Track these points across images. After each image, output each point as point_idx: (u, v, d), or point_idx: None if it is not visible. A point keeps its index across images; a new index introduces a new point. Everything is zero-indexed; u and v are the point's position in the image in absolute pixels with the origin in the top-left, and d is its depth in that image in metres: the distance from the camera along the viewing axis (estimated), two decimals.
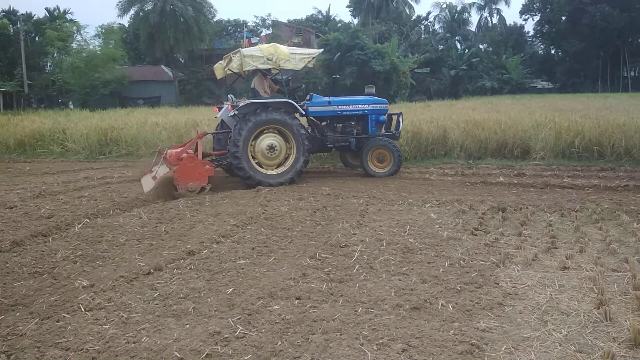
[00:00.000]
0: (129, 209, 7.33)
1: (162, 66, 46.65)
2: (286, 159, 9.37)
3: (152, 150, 13.95)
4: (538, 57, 65.97)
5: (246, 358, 3.12)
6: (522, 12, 68.26)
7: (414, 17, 65.64)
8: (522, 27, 69.96)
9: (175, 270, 4.67)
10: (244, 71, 9.91)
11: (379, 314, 3.69)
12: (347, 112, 10.16)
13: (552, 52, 68.05)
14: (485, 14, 73.33)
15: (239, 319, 3.63)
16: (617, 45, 60.05)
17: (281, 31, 47.42)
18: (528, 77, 57.88)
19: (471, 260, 4.80)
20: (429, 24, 71.82)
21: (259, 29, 53.24)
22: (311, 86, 40.17)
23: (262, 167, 9.21)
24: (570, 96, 36.83)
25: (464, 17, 70.64)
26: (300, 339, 3.35)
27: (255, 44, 48.62)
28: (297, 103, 9.59)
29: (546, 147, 11.19)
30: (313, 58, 10.04)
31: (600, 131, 11.26)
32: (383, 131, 10.45)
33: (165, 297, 4.10)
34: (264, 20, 51.79)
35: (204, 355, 3.14)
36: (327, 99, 10.13)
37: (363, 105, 10.25)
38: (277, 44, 10.21)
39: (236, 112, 9.26)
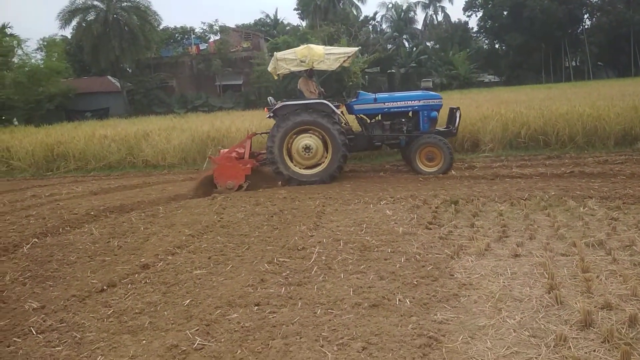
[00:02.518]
0: (79, 226, 7.11)
1: (109, 77, 45.51)
2: (324, 157, 9.44)
3: (103, 163, 13.70)
4: (483, 52, 67.74)
5: None
6: (465, 9, 69.90)
7: (361, 18, 66.28)
8: (467, 23, 71.79)
9: (129, 286, 4.56)
10: (278, 73, 9.87)
11: (338, 314, 3.70)
12: (395, 109, 9.85)
13: (497, 46, 69.99)
14: (431, 12, 74.81)
15: (197, 330, 3.57)
16: (557, 36, 62.34)
17: (230, 36, 46.99)
18: (475, 72, 59.36)
19: (426, 254, 4.88)
20: (377, 23, 72.75)
21: (207, 35, 52.53)
22: (263, 91, 40.12)
23: (300, 167, 9.43)
24: (515, 88, 37.93)
25: (410, 15, 71.90)
26: (260, 345, 3.33)
27: (204, 50, 48.12)
28: (333, 103, 9.58)
29: (494, 139, 11.52)
30: (349, 57, 9.90)
31: (545, 121, 11.67)
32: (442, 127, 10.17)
33: (120, 313, 3.99)
34: (211, 26, 51.06)
35: None
36: (373, 96, 10.00)
37: (413, 102, 9.84)
38: (312, 45, 10.15)
39: (271, 115, 9.44)
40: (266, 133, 10.11)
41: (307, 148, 9.31)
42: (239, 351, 3.25)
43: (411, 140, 9.62)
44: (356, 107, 9.91)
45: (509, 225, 5.65)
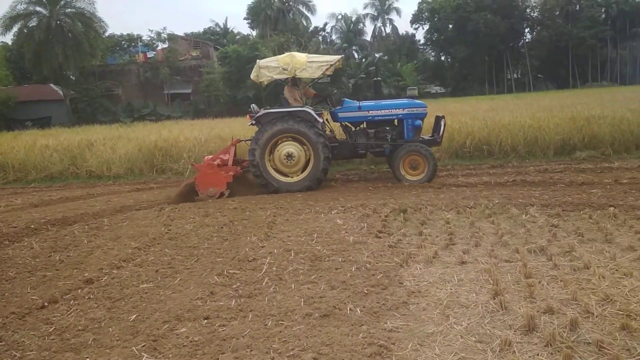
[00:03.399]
0: (18, 240, 6.79)
1: (52, 85, 43.98)
2: (306, 164, 9.36)
3: (44, 174, 13.18)
4: (430, 64, 69.52)
5: None
6: (412, 22, 71.71)
7: (311, 29, 66.76)
8: (414, 35, 73.57)
9: (72, 302, 4.39)
10: (260, 81, 9.76)
11: (289, 325, 3.68)
12: (380, 117, 9.81)
13: (443, 58, 71.99)
14: (379, 24, 76.19)
15: (144, 346, 3.47)
16: (500, 49, 64.78)
17: (178, 45, 46.41)
18: (422, 83, 60.72)
19: (376, 263, 4.93)
20: (327, 34, 73.44)
21: (155, 43, 51.67)
22: (213, 99, 39.76)
23: (282, 175, 9.36)
24: (460, 99, 39.10)
25: (359, 27, 72.91)
26: None
27: (152, 58, 47.25)
28: (316, 110, 9.49)
29: (441, 148, 11.79)
30: (331, 65, 9.73)
31: (489, 131, 12.07)
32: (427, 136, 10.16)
33: (61, 331, 3.84)
34: (159, 34, 50.27)
35: None
36: (358, 103, 9.92)
37: (397, 110, 9.78)
38: (295, 53, 10.01)
39: (253, 122, 9.42)
40: (250, 140, 9.98)
41: (289, 156, 9.28)
42: None
43: (395, 149, 9.62)
44: (340, 114, 9.90)
45: (456, 233, 5.78)
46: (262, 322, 3.76)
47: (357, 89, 58.89)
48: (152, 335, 3.61)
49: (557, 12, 66.04)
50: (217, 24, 65.68)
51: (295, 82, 10.04)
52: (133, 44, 51.28)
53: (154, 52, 48.97)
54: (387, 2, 73.83)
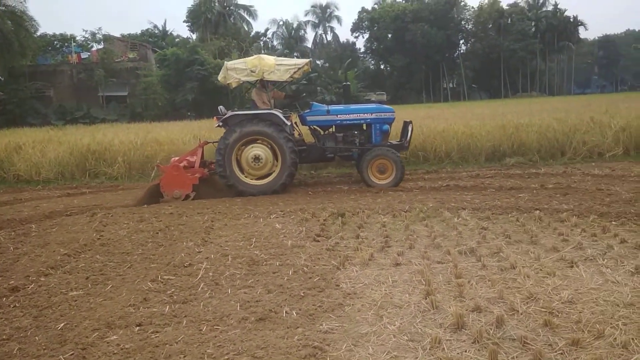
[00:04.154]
0: None
1: None
2: (274, 166, 9.28)
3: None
4: (370, 72, 70.90)
5: None
6: (352, 30, 72.96)
7: (252, 34, 66.57)
8: (354, 44, 74.81)
9: None
10: (227, 83, 9.54)
11: (224, 330, 3.65)
12: (348, 121, 9.80)
13: (382, 66, 73.55)
14: (320, 31, 77.05)
15: (72, 354, 3.35)
16: (436, 60, 66.96)
17: (114, 46, 45.03)
18: (362, 91, 61.74)
19: (314, 266, 4.96)
20: (268, 40, 73.54)
21: (89, 44, 49.88)
22: (150, 102, 38.81)
23: (249, 177, 9.31)
24: (399, 107, 39.81)
25: (300, 34, 73.50)
26: None
27: (86, 59, 45.56)
28: (284, 114, 9.37)
29: None
30: (299, 69, 9.59)
31: (424, 138, 12.43)
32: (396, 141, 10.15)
33: None
34: (94, 34, 48.57)
35: None
36: (326, 107, 9.79)
37: (365, 114, 9.82)
38: (263, 55, 9.79)
39: (220, 124, 9.32)
40: (217, 142, 9.82)
41: (256, 158, 9.20)
42: None
43: (363, 153, 9.63)
44: (309, 118, 9.86)
45: (391, 236, 5.91)
46: (197, 328, 3.70)
47: (298, 94, 59.14)
48: (81, 344, 3.48)
49: (490, 25, 69.07)
50: (155, 26, 64.31)
51: (263, 84, 9.91)
52: (66, 44, 49.32)
53: (89, 53, 47.23)
54: (328, 10, 74.81)
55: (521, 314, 3.68)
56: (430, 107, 35.43)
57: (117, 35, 51.00)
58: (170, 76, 37.01)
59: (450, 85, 74.25)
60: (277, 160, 9.30)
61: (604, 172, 9.87)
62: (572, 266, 4.61)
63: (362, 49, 75.11)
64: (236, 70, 9.43)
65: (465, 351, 3.21)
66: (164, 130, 17.82)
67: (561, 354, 3.13)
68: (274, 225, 6.74)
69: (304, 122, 10.01)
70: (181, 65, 36.31)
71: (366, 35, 72.63)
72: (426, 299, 3.97)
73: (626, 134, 11.88)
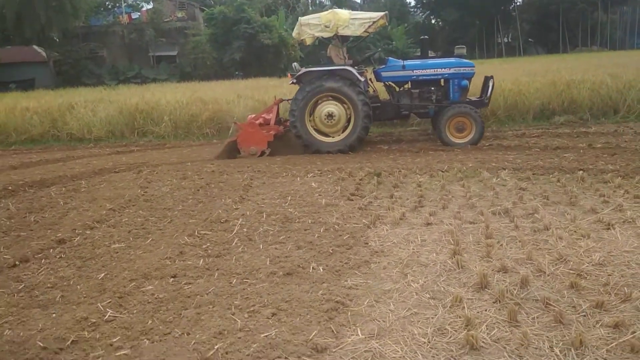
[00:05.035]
0: None
1: (35, 46, 42.96)
2: (346, 125, 9.23)
3: (25, 137, 13.13)
4: (420, 27, 68.70)
5: (114, 340, 3.09)
6: None
7: None
8: None
9: (43, 260, 4.47)
10: (301, 39, 9.62)
11: (252, 283, 3.79)
12: (424, 77, 9.49)
13: (433, 21, 71.25)
14: None
15: (109, 302, 3.57)
16: (491, 13, 64.10)
17: (163, 6, 45.34)
18: (412, 47, 60.21)
19: (345, 224, 5.03)
20: None
21: (140, 4, 50.49)
22: (200, 62, 39.20)
23: (323, 135, 9.28)
24: None
25: None
26: (172, 315, 3.37)
27: (136, 20, 46.25)
28: (358, 69, 9.34)
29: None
30: (374, 22, 9.35)
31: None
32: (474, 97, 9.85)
33: (31, 288, 3.92)
34: None
35: (69, 342, 3.07)
36: (402, 62, 9.61)
37: (443, 69, 9.45)
38: (337, 10, 9.73)
39: (294, 81, 9.34)
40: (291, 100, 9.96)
41: (329, 115, 9.16)
42: (150, 321, 3.29)
43: (440, 110, 9.37)
44: (384, 74, 9.63)
45: (426, 196, 5.89)
46: (227, 281, 3.86)
47: (348, 51, 58.33)
48: (118, 293, 3.71)
49: None
50: None
51: (339, 39, 9.69)
52: (117, 4, 50.03)
53: (139, 13, 47.82)
54: None
55: (548, 275, 3.65)
56: (483, 63, 34.04)
57: None
58: (217, 35, 37.03)
59: (506, 40, 71.14)
60: (349, 119, 9.21)
61: None
62: (608, 228, 4.49)
63: (412, 3, 72.93)
64: (310, 25, 9.32)
65: (486, 310, 3.23)
66: (210, 89, 18.03)
67: (584, 315, 3.10)
68: (310, 184, 6.82)
69: (378, 78, 9.78)
70: (228, 24, 36.23)
71: None
72: (453, 258, 3.98)
73: None
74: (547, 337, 2.90)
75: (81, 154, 10.98)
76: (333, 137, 9.27)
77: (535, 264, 3.81)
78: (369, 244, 4.49)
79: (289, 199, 6.12)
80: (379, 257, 4.17)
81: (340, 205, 5.71)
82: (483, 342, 2.86)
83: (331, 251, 4.33)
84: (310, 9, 62.32)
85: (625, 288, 3.35)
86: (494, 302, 3.32)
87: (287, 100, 10.21)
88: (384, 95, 10.24)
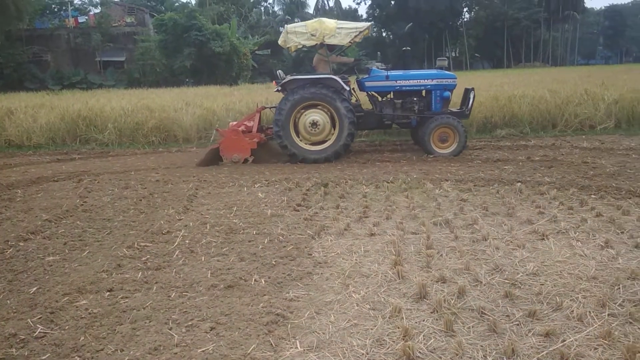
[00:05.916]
0: None
1: None
2: (331, 134, 9.22)
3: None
4: (372, 40, 69.90)
5: (44, 357, 2.96)
6: None
7: None
8: (356, 10, 73.71)
9: None
10: (288, 47, 9.48)
11: (192, 297, 3.71)
12: (408, 88, 9.60)
13: (384, 34, 72.62)
14: None
15: (40, 318, 3.42)
16: (440, 27, 66.01)
17: (112, 10, 44.37)
18: (363, 59, 61.13)
19: (289, 235, 5.02)
20: (269, 5, 72.45)
21: (87, 8, 49.14)
22: (148, 68, 38.49)
23: (306, 142, 9.28)
24: None
25: None
26: (106, 331, 3.25)
27: (83, 24, 44.98)
28: (343, 79, 9.27)
29: None
30: (360, 32, 9.37)
31: None
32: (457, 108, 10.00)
33: None
34: None
35: None
36: (386, 73, 9.65)
37: (426, 80, 9.58)
38: (324, 19, 9.65)
39: (279, 89, 9.30)
40: (275, 107, 9.80)
41: (314, 124, 9.12)
42: (82, 338, 3.16)
43: (423, 121, 9.49)
44: (367, 83, 9.68)
45: (371, 206, 5.95)
46: (166, 294, 3.77)
47: (299, 61, 58.52)
48: (50, 308, 3.55)
49: None
50: None
51: (324, 48, 9.72)
52: (63, 7, 48.55)
53: (86, 17, 46.61)
54: None
55: (484, 285, 3.74)
56: None
57: None
58: (168, 42, 36.50)
59: (453, 54, 73.37)
60: (334, 127, 9.22)
61: (593, 145, 9.87)
62: (543, 239, 4.66)
63: (364, 16, 74.07)
64: (296, 33, 9.32)
65: (424, 320, 3.28)
66: (158, 97, 17.71)
67: (517, 324, 3.19)
68: (257, 194, 6.78)
69: (362, 87, 9.83)
70: (179, 31, 35.78)
71: (368, 2, 71.55)
72: (394, 268, 4.03)
73: (618, 107, 11.84)
74: (482, 346, 2.96)
75: (19, 161, 10.54)
76: (318, 146, 9.28)
77: (472, 274, 3.91)
78: (313, 255, 4.49)
79: (235, 209, 6.06)
80: (322, 268, 4.17)
81: (286, 216, 5.70)
82: (419, 352, 2.90)
83: (274, 263, 4.31)
84: (263, 17, 62.43)
85: (557, 297, 3.48)
86: (431, 312, 3.37)
87: (270, 107, 10.32)
88: (366, 105, 10.36)
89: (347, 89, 9.36)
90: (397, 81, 9.62)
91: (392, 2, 67.29)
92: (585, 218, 5.17)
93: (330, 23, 9.32)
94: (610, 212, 5.41)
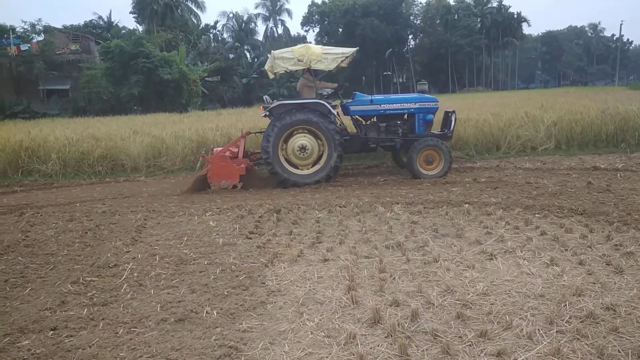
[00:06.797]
0: None
1: None
2: (320, 157, 9.27)
3: None
4: None
5: None
6: (303, 24, 72.77)
7: (201, 26, 65.46)
8: (305, 37, 74.68)
9: None
10: (274, 73, 9.33)
11: (141, 332, 3.59)
12: (392, 111, 9.71)
13: None
14: (271, 24, 76.57)
15: None
16: (386, 54, 67.65)
17: (55, 38, 43.24)
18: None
19: (242, 264, 4.95)
20: (218, 32, 72.45)
21: (29, 35, 47.68)
22: (94, 96, 37.60)
23: (296, 168, 9.28)
24: None
25: (250, 26, 72.78)
26: None
27: (25, 51, 43.62)
28: (329, 103, 9.23)
29: None
30: (347, 57, 9.41)
31: None
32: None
33: None
34: (33, 25, 46.43)
35: None
36: (370, 97, 9.65)
37: (409, 104, 9.72)
38: (309, 44, 9.56)
39: (267, 114, 9.25)
40: (260, 132, 9.80)
41: (302, 148, 9.13)
42: None
43: (406, 143, 9.64)
44: (352, 107, 9.73)
45: (324, 232, 5.96)
46: (113, 331, 3.63)
47: (250, 88, 58.73)
48: None
49: (438, 21, 70.36)
50: (100, 17, 62.17)
51: (310, 73, 9.76)
52: (5, 35, 46.99)
53: (29, 45, 45.20)
54: (278, 3, 74.35)
55: (436, 306, 3.79)
56: None
57: (59, 26, 49.11)
58: (114, 69, 35.84)
59: (400, 79, 75.27)
60: (322, 151, 9.27)
61: (535, 166, 10.26)
62: (491, 258, 4.77)
63: (313, 42, 75.19)
64: (283, 59, 9.32)
65: (378, 346, 3.28)
66: (104, 125, 17.30)
67: (469, 345, 3.24)
68: (208, 223, 6.67)
69: (346, 112, 9.89)
70: (126, 58, 35.21)
71: (317, 29, 72.76)
72: (348, 294, 4.03)
73: (557, 128, 12.37)
74: None
75: None
76: (307, 170, 9.32)
77: (425, 296, 3.95)
78: (266, 283, 4.44)
79: (185, 239, 5.94)
80: (275, 297, 4.12)
81: (238, 244, 5.62)
82: None
83: (227, 293, 4.23)
84: (213, 44, 62.38)
85: (507, 316, 3.56)
86: (385, 337, 3.37)
87: (255, 133, 10.36)
88: (350, 128, 10.45)
89: (334, 112, 9.51)
90: (382, 105, 9.77)
91: (340, 30, 68.65)
92: (530, 237, 5.33)
93: (316, 49, 9.47)
94: (554, 230, 5.61)
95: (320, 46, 9.74)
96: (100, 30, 57.23)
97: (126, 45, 35.94)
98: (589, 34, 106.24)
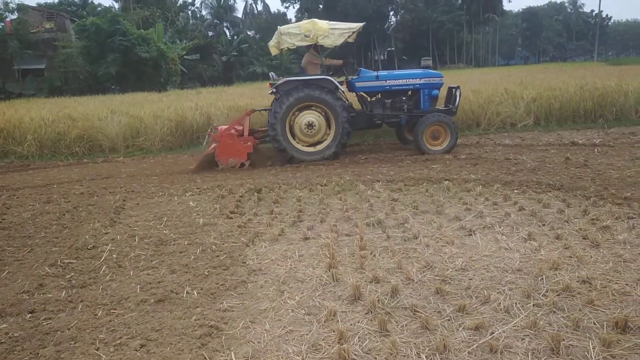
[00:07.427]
0: None
1: None
2: (327, 134, 9.22)
3: None
4: None
5: None
6: (283, 0, 71.80)
7: (179, 3, 64.16)
8: (285, 14, 73.83)
9: None
10: (281, 49, 9.24)
11: (120, 314, 3.57)
12: (397, 87, 9.64)
13: None
14: (250, 1, 75.48)
15: None
16: (368, 31, 67.21)
17: (29, 16, 42.07)
18: (294, 62, 61.32)
19: (223, 244, 4.93)
20: (196, 9, 71.23)
21: (3, 14, 46.34)
22: (70, 75, 36.83)
23: (303, 144, 9.22)
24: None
25: (230, 3, 71.58)
26: (28, 355, 3.08)
27: None
28: (336, 79, 9.11)
29: None
30: (353, 32, 9.30)
31: None
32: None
33: None
34: (6, 3, 45.07)
35: None
36: (375, 73, 9.53)
37: (414, 80, 9.66)
38: (316, 20, 9.41)
39: (274, 90, 9.16)
40: (265, 110, 9.71)
41: (309, 125, 9.07)
42: None
43: (412, 119, 9.60)
44: (357, 84, 9.66)
45: (305, 210, 5.96)
46: (92, 313, 3.60)
47: (229, 66, 58.00)
48: None
49: None
50: None
51: (316, 49, 9.62)
52: None
53: (2, 24, 43.94)
54: None
55: (416, 282, 3.82)
56: None
57: (33, 4, 47.83)
58: (91, 48, 35.01)
59: (381, 57, 74.96)
60: (329, 128, 9.20)
61: (515, 142, 10.34)
62: (470, 234, 4.82)
63: (294, 20, 74.31)
64: (290, 35, 9.20)
65: (359, 322, 3.30)
66: (81, 105, 16.98)
67: (448, 320, 3.27)
68: (188, 203, 6.63)
69: (351, 88, 9.81)
70: (102, 36, 34.39)
71: (297, 6, 71.89)
72: (328, 271, 4.04)
73: (537, 105, 12.46)
74: (415, 343, 3.02)
75: None
76: (315, 147, 9.27)
77: (404, 273, 3.97)
78: (247, 262, 4.43)
79: (165, 220, 5.89)
80: (256, 276, 4.12)
81: (218, 224, 5.60)
82: (355, 354, 2.92)
83: (207, 273, 4.21)
84: (191, 22, 61.30)
85: (485, 291, 3.60)
86: (366, 314, 3.40)
87: (260, 110, 10.29)
88: (355, 105, 10.37)
89: (341, 88, 9.43)
90: (387, 81, 9.72)
91: (321, 7, 67.94)
92: (509, 212, 5.39)
93: (323, 24, 9.35)
94: (532, 205, 5.68)
95: (326, 21, 9.61)
96: (75, 8, 55.71)
97: (102, 23, 35.09)
98: (569, 10, 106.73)
